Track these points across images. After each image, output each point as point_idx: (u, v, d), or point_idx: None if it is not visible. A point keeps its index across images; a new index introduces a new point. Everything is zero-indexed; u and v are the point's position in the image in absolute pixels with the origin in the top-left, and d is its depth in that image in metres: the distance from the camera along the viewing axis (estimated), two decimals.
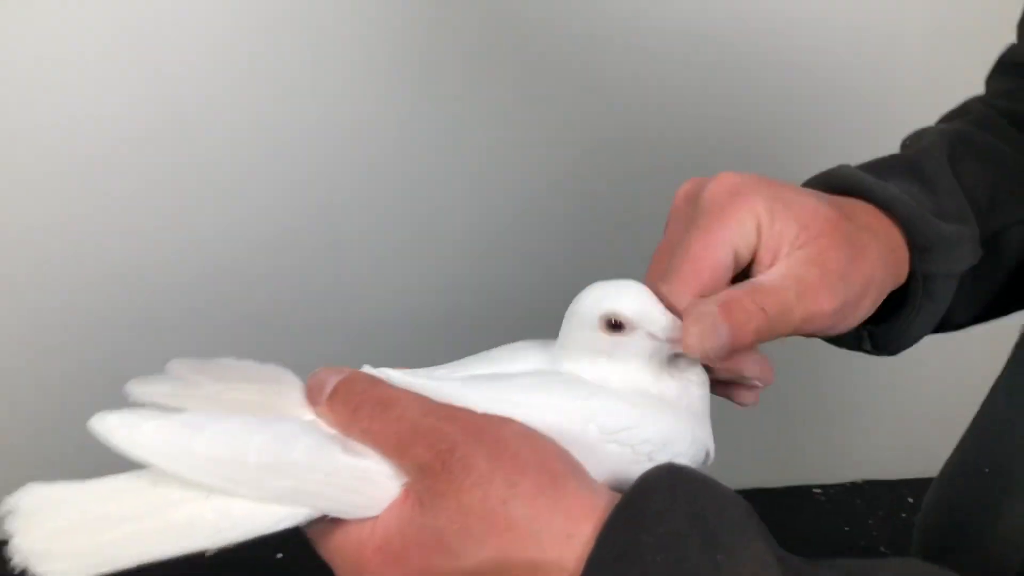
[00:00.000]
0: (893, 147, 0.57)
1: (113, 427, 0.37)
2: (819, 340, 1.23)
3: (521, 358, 0.46)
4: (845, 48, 1.07)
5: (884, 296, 0.49)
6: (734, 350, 0.43)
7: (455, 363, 0.46)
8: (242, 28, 0.96)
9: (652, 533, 0.37)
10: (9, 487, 0.38)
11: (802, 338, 1.18)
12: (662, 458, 0.43)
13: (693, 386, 0.45)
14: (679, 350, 0.43)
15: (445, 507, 0.38)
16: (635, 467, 0.42)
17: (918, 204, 0.49)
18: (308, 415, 0.42)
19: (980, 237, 0.51)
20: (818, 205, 0.46)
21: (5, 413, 1.07)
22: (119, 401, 0.39)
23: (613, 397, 0.43)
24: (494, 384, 0.44)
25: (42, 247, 1.01)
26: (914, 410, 1.29)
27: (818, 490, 1.31)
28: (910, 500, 1.28)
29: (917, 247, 0.49)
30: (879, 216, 0.49)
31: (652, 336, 0.44)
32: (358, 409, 0.40)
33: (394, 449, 0.39)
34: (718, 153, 1.06)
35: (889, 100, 1.06)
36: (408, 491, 0.40)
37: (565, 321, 0.45)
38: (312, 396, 0.42)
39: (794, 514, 1.25)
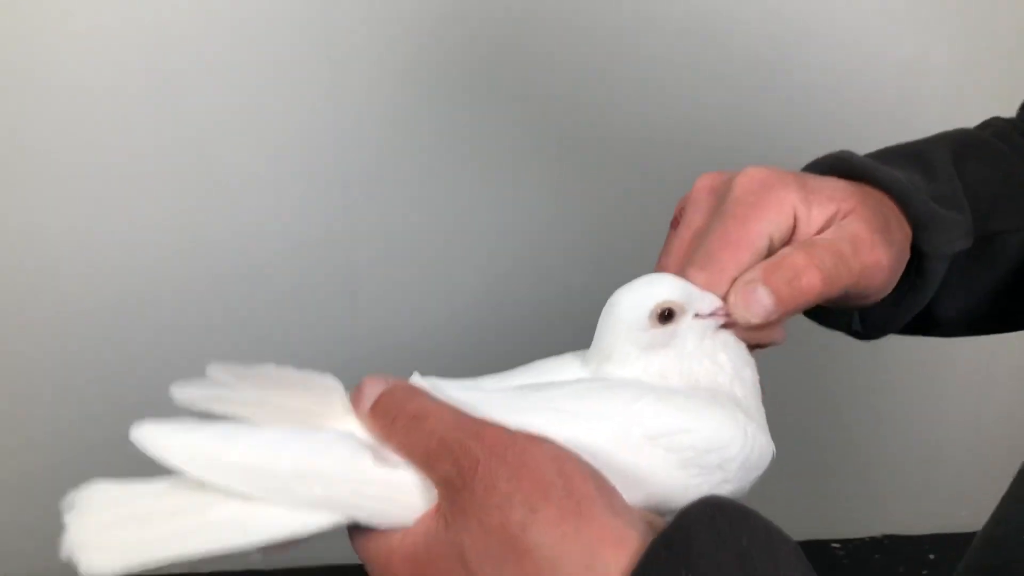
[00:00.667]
0: None
1: (149, 437, 0.39)
2: (838, 385, 1.21)
3: (568, 369, 0.47)
4: (866, 73, 1.08)
5: (903, 267, 0.50)
6: (787, 311, 0.45)
7: (502, 374, 0.47)
8: (266, 47, 0.99)
9: (695, 570, 0.35)
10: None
11: (821, 384, 1.16)
12: (711, 462, 0.43)
13: (748, 369, 0.46)
14: (725, 321, 0.45)
15: (467, 526, 0.38)
16: (682, 472, 0.42)
17: (915, 187, 0.51)
18: (351, 424, 0.42)
19: (976, 234, 0.53)
20: (846, 185, 0.48)
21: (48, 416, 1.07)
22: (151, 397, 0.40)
23: (659, 399, 0.43)
24: (538, 393, 0.44)
25: (59, 254, 1.03)
26: (936, 463, 1.28)
27: (837, 544, 1.29)
28: (931, 556, 1.25)
29: (913, 226, 0.51)
30: (883, 196, 0.51)
31: (699, 315, 0.45)
32: (395, 421, 0.41)
33: (423, 463, 0.40)
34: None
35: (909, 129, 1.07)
36: (438, 505, 0.40)
37: (604, 331, 0.46)
38: (355, 406, 0.43)
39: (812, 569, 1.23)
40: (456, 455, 0.39)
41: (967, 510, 1.15)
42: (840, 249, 0.45)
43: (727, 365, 0.45)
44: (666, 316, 0.44)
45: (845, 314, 0.54)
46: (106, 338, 1.05)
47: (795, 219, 0.47)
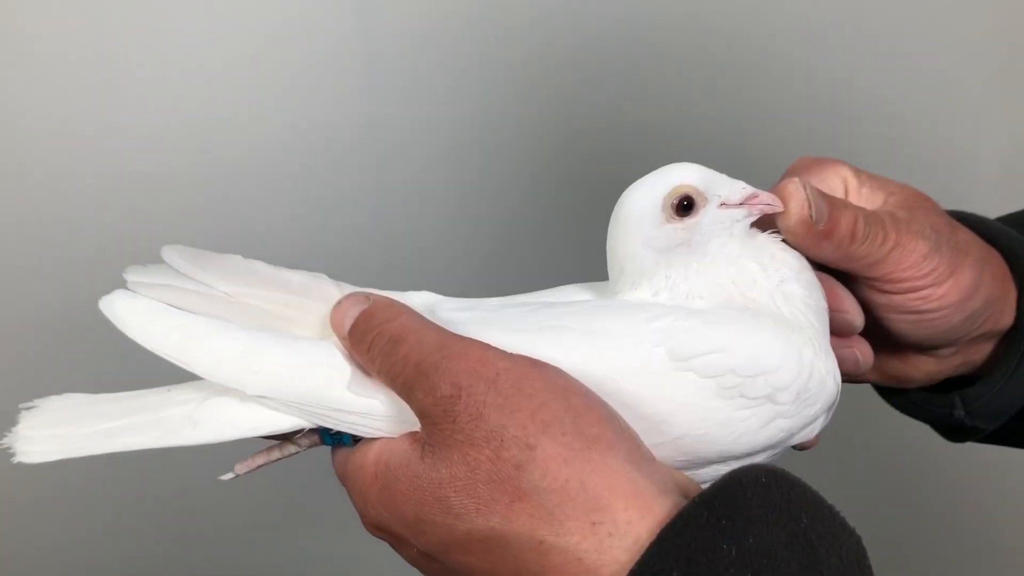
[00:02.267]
0: None
1: (118, 307, 0.37)
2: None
3: (576, 296, 0.41)
4: (916, 156, 1.01)
5: (981, 296, 0.43)
6: (828, 234, 0.39)
7: (506, 297, 0.41)
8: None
9: (738, 543, 0.29)
10: None
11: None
12: (757, 392, 0.36)
13: (794, 284, 0.38)
14: (758, 212, 0.39)
15: (448, 459, 0.33)
16: (722, 403, 0.35)
17: None
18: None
19: None
20: (906, 184, 0.44)
21: None
22: None
23: (687, 315, 0.36)
24: (544, 311, 0.38)
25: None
26: None
27: None
28: None
29: (1020, 281, 0.45)
30: (982, 242, 0.45)
31: (725, 204, 0.38)
32: (373, 346, 0.36)
33: (401, 391, 0.35)
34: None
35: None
36: (419, 432, 0.35)
37: (614, 236, 0.39)
38: (335, 327, 0.38)
39: None
40: (433, 382, 0.33)
41: None
42: (879, 216, 0.41)
43: (759, 276, 0.38)
44: (684, 206, 0.38)
45: (946, 404, 0.47)
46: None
47: (845, 190, 0.43)
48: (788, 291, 0.38)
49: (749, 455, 0.37)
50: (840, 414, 0.40)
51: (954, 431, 0.48)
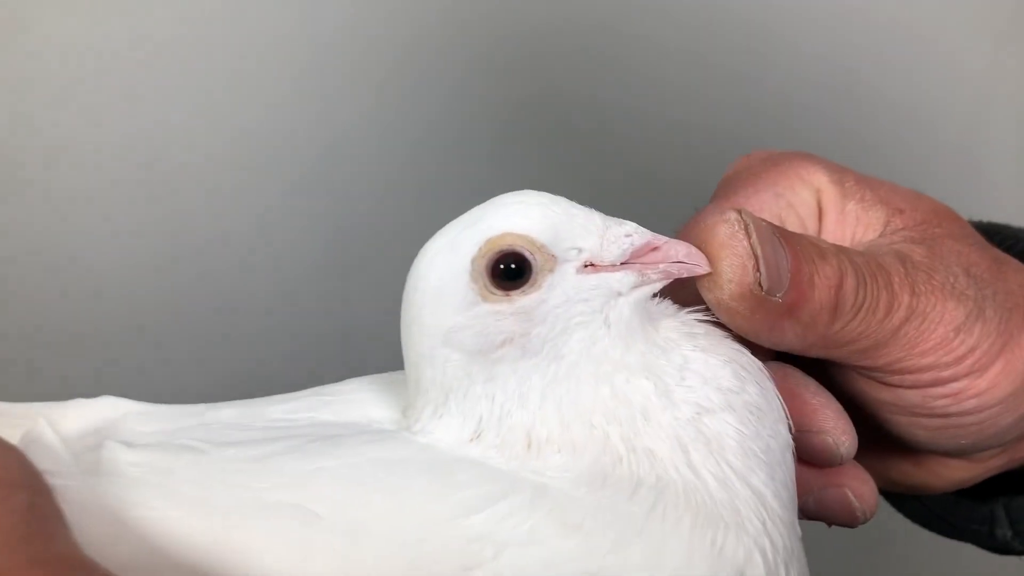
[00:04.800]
0: None
1: None
2: None
3: (365, 408, 0.25)
4: (936, 81, 0.96)
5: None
6: (793, 309, 0.23)
7: (250, 404, 0.25)
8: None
9: None
10: None
11: None
12: None
13: (712, 416, 0.22)
14: (659, 279, 0.23)
15: None
16: None
17: None
18: None
19: None
20: (921, 195, 0.29)
21: None
22: None
23: (532, 503, 0.20)
24: (289, 463, 0.21)
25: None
26: None
27: None
28: None
29: None
30: None
31: (593, 266, 0.22)
32: None
33: None
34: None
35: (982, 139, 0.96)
36: None
37: (406, 338, 0.23)
38: None
39: None
40: None
41: None
42: (882, 265, 0.26)
43: (655, 406, 0.21)
44: (512, 272, 0.21)
45: (983, 518, 0.33)
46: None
47: (819, 208, 0.28)
48: (711, 431, 0.22)
49: None
50: None
51: (997, 547, 0.34)
